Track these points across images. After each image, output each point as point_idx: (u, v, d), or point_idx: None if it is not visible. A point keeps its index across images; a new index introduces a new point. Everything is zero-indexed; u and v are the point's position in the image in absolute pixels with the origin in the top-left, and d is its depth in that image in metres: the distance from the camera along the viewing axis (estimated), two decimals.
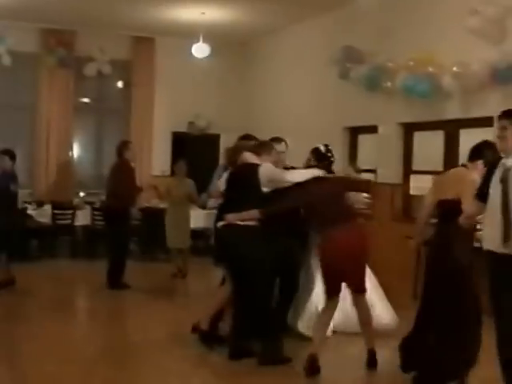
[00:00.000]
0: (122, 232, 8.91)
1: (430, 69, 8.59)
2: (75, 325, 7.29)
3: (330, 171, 6.08)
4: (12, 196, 8.61)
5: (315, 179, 5.81)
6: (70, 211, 11.38)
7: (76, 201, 12.01)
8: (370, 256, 5.90)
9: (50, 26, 12.49)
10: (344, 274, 5.60)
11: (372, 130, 10.04)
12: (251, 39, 13.40)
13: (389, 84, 9.36)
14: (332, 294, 5.61)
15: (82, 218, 11.51)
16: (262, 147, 6.11)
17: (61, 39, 12.47)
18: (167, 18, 11.84)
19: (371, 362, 5.68)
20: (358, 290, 5.76)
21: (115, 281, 8.77)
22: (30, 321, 7.03)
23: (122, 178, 8.87)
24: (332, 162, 6.17)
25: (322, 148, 6.26)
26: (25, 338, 6.28)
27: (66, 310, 7.86)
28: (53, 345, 6.17)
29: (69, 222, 11.33)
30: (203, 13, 11.12)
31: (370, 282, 6.44)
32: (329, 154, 6.20)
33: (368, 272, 6.18)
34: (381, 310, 6.76)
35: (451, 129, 8.90)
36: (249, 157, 5.80)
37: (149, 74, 13.37)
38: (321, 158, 6.20)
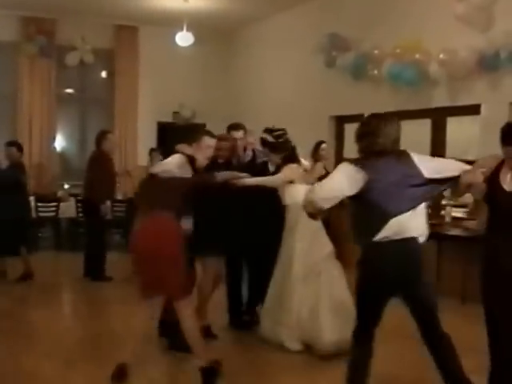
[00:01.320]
0: (99, 224, 8.84)
1: (417, 56, 8.56)
2: (58, 318, 7.20)
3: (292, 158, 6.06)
4: (22, 187, 8.74)
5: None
6: (54, 203, 11.27)
7: (60, 193, 11.89)
8: (177, 257, 4.70)
9: (30, 14, 12.31)
10: (144, 273, 4.80)
11: (358, 118, 9.84)
12: (236, 27, 13.30)
13: (375, 72, 9.34)
14: (142, 296, 4.85)
15: (67, 210, 11.40)
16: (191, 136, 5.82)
17: (41, 27, 12.30)
18: (150, 5, 11.71)
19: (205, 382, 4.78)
20: (172, 296, 4.82)
21: (97, 273, 8.72)
22: (12, 315, 6.93)
23: (99, 170, 8.78)
24: (287, 147, 6.15)
25: (269, 137, 6.14)
26: (5, 333, 6.17)
27: (48, 302, 7.76)
28: (33, 339, 6.13)
29: (53, 214, 11.23)
30: (186, 0, 11.00)
31: (327, 289, 5.71)
32: (280, 140, 6.11)
33: (329, 276, 5.73)
34: (326, 325, 5.59)
35: (438, 117, 8.87)
36: (182, 147, 5.65)
37: (132, 63, 13.25)
38: (274, 148, 6.14)
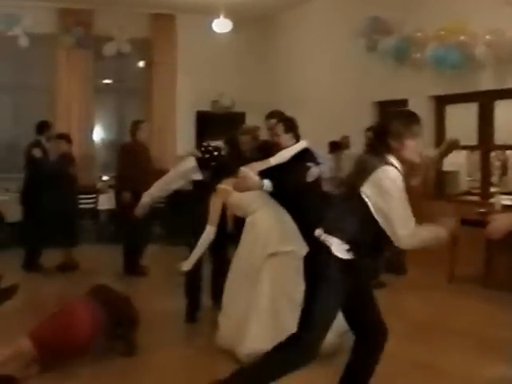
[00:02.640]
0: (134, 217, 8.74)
1: (462, 38, 8.32)
2: None
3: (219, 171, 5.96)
4: (72, 179, 8.97)
5: None
6: (94, 195, 11.31)
7: (99, 184, 11.94)
8: None
9: (66, 6, 12.31)
10: None
11: (402, 104, 9.77)
12: (274, 12, 13.13)
13: (418, 55, 9.12)
14: None
15: (106, 201, 11.42)
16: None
17: (78, 19, 12.29)
18: None
19: None
20: None
21: (132, 266, 8.70)
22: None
23: (131, 160, 8.71)
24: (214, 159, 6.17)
25: (200, 154, 6.31)
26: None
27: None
28: None
29: (92, 206, 11.26)
30: None
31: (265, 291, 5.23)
32: (206, 156, 6.22)
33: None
34: (251, 331, 5.13)
35: (485, 100, 8.64)
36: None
37: (170, 51, 13.18)
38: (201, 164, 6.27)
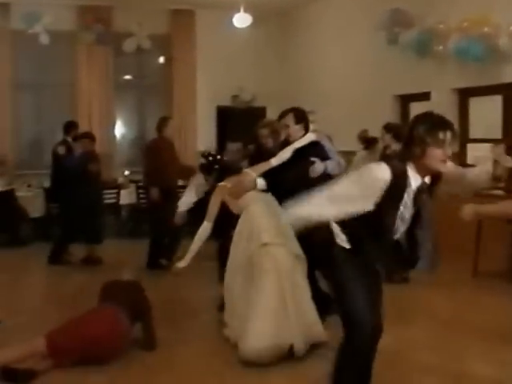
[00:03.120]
0: (164, 212, 8.74)
1: (485, 29, 8.21)
2: None
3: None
4: (95, 176, 9.04)
5: None
6: (115, 190, 11.35)
7: (120, 179, 11.98)
8: None
9: (86, 3, 12.36)
10: None
11: (424, 97, 9.69)
12: (294, 6, 13.08)
13: (441, 48, 9.01)
14: None
15: (127, 196, 11.47)
16: None
17: (98, 15, 12.33)
18: None
19: None
20: None
21: (153, 261, 8.73)
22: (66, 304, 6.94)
23: (158, 156, 8.74)
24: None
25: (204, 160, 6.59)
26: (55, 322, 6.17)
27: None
28: None
29: (114, 201, 11.30)
30: None
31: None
32: (211, 158, 6.52)
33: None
34: (253, 328, 4.99)
35: (510, 93, 8.53)
36: None
37: (189, 47, 13.19)
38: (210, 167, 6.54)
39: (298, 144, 5.68)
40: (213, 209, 5.70)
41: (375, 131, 9.01)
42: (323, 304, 5.64)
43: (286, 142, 5.96)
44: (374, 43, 10.44)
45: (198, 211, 6.32)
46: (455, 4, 8.87)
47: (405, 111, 10.50)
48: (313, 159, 5.62)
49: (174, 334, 5.54)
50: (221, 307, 6.10)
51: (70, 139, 9.48)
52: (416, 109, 10.32)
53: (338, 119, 10.78)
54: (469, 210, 3.87)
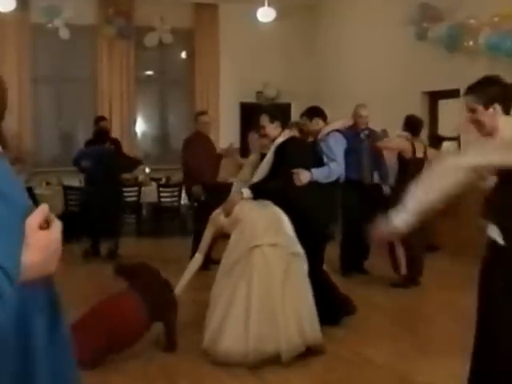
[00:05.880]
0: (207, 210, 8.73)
1: None
2: None
3: None
4: (83, 171, 9.34)
5: None
6: (136, 188, 11.40)
7: (141, 177, 12.03)
8: None
9: None
10: None
11: (454, 94, 9.65)
12: (319, 1, 13.09)
13: (471, 43, 9.01)
14: None
15: (148, 194, 11.52)
16: None
17: (119, 9, 12.42)
18: None
19: None
20: None
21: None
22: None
23: (194, 151, 8.73)
24: None
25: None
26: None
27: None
28: None
29: (135, 199, 11.36)
30: None
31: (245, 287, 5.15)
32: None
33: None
34: (228, 330, 5.07)
35: None
36: None
37: (213, 42, 13.24)
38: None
39: (274, 146, 5.74)
40: (206, 240, 5.77)
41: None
42: (332, 304, 5.68)
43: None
44: (402, 38, 10.44)
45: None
46: None
47: (433, 108, 10.47)
48: (296, 170, 5.71)
49: (198, 335, 5.58)
50: None
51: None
52: (445, 106, 10.31)
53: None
54: None
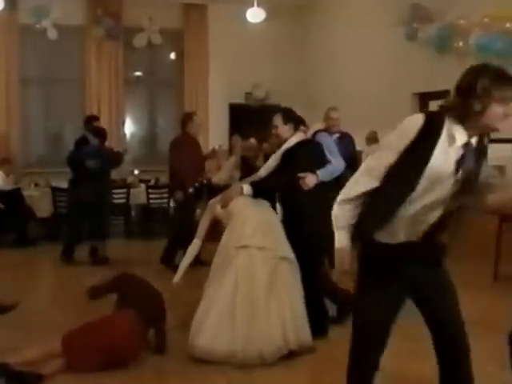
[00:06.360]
0: (189, 212, 8.71)
1: (507, 25, 8.22)
2: None
3: None
4: (88, 171, 8.93)
5: None
6: (124, 190, 11.36)
7: (130, 179, 12.00)
8: None
9: None
10: None
11: (444, 95, 9.58)
12: (309, 1, 13.10)
13: (461, 44, 9.01)
14: None
15: (137, 196, 11.48)
16: None
17: (108, 9, 12.42)
18: None
19: None
20: None
21: (169, 259, 8.72)
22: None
23: (182, 153, 8.69)
24: None
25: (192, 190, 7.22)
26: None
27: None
28: None
29: (123, 201, 11.32)
30: None
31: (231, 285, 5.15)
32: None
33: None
34: (207, 326, 5.10)
35: None
36: None
37: (202, 43, 13.24)
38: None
39: (284, 147, 5.69)
40: (203, 226, 5.75)
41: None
42: (319, 317, 5.65)
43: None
44: (392, 39, 10.45)
45: None
46: None
47: (423, 110, 10.48)
48: (302, 174, 5.59)
49: (186, 336, 5.56)
50: None
51: (86, 133, 9.43)
52: (435, 107, 10.31)
53: (354, 117, 10.76)
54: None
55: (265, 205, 5.59)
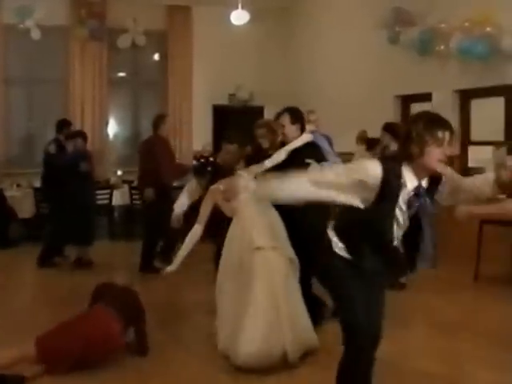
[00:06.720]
0: (159, 213, 8.72)
1: (488, 29, 8.28)
2: None
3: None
4: (88, 176, 9.03)
5: None
6: (108, 191, 11.35)
7: (113, 179, 11.98)
8: None
9: None
10: None
11: (425, 97, 9.75)
12: (293, 3, 13.14)
13: (442, 47, 9.09)
14: None
15: (120, 197, 11.48)
16: None
17: (92, 10, 12.38)
18: None
19: None
20: None
21: (146, 264, 8.73)
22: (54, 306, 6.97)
23: (155, 155, 8.72)
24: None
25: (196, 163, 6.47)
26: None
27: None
28: None
29: (106, 201, 11.31)
30: None
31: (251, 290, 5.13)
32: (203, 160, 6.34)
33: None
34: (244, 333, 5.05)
35: None
36: None
37: (186, 44, 13.24)
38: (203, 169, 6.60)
39: (293, 145, 5.73)
40: (204, 211, 5.71)
41: (376, 132, 9.06)
42: (315, 309, 5.69)
43: (284, 143, 6.02)
44: (375, 42, 10.51)
45: (191, 215, 6.34)
46: (457, 3, 8.92)
47: (405, 112, 10.56)
48: (308, 161, 5.58)
49: (167, 338, 5.58)
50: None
51: (62, 138, 9.38)
52: (417, 110, 10.39)
53: (337, 119, 10.83)
54: (463, 212, 3.78)
55: (268, 204, 5.51)
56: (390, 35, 9.93)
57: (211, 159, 6.60)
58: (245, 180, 5.59)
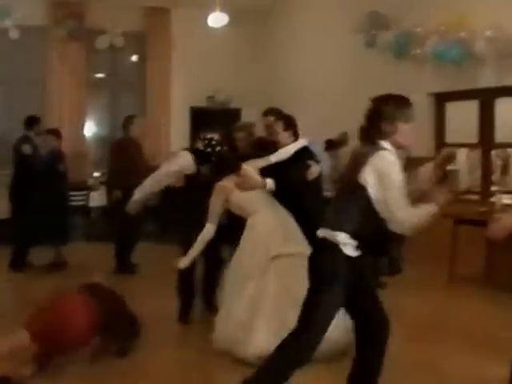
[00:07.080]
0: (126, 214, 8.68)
1: (462, 33, 8.40)
2: None
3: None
4: (62, 175, 9.04)
5: None
6: (84, 192, 11.34)
7: (90, 181, 11.96)
8: None
9: None
10: None
11: None
12: (271, 6, 13.20)
13: (418, 51, 9.20)
14: None
15: (97, 198, 11.46)
16: None
17: (70, 11, 12.32)
18: None
19: None
20: None
21: (123, 265, 8.73)
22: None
23: (122, 156, 8.72)
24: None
25: (201, 147, 6.30)
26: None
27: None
28: None
29: (83, 203, 11.30)
30: None
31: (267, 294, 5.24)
32: (207, 150, 6.24)
33: None
34: (262, 336, 5.09)
35: (486, 98, 8.70)
36: None
37: (164, 46, 13.23)
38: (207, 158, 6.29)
39: (293, 148, 5.79)
40: (215, 209, 5.65)
41: (353, 134, 9.13)
42: None
43: (261, 143, 6.08)
44: (351, 45, 10.60)
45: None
46: (432, 8, 9.03)
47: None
48: (310, 162, 5.72)
49: (144, 340, 5.58)
50: (183, 318, 6.31)
51: (32, 135, 9.18)
52: None
53: (315, 121, 10.87)
54: (498, 229, 3.62)
55: (277, 203, 5.58)
56: (367, 39, 10.03)
57: (218, 148, 6.28)
58: (259, 179, 5.53)
